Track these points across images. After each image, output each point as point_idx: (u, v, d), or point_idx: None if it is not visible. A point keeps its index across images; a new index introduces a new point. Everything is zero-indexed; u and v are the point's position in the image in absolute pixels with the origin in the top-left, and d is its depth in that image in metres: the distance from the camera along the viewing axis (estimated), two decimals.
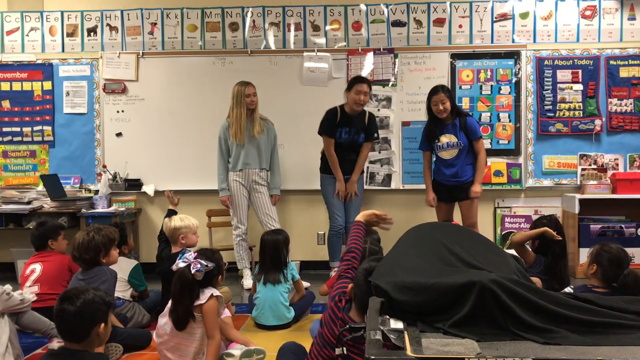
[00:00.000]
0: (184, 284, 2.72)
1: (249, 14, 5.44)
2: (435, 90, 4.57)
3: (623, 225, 4.97)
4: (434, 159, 4.76)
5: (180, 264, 2.74)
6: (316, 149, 5.04)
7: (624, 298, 1.68)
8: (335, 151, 4.79)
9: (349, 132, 4.77)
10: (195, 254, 2.83)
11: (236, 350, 2.94)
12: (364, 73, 5.33)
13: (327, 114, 4.82)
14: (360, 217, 2.75)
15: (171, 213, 4.24)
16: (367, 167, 5.29)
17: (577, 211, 4.91)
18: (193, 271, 2.70)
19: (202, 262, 2.73)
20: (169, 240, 3.87)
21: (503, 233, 5.32)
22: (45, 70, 5.52)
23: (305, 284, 4.49)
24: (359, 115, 4.81)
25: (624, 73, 5.25)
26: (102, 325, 2.19)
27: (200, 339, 2.76)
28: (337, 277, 2.45)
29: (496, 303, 1.47)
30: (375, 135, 4.95)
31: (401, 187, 5.39)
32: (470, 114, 4.97)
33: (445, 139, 4.56)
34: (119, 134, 5.48)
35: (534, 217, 5.25)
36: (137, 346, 3.23)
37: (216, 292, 2.79)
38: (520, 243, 3.69)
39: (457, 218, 4.78)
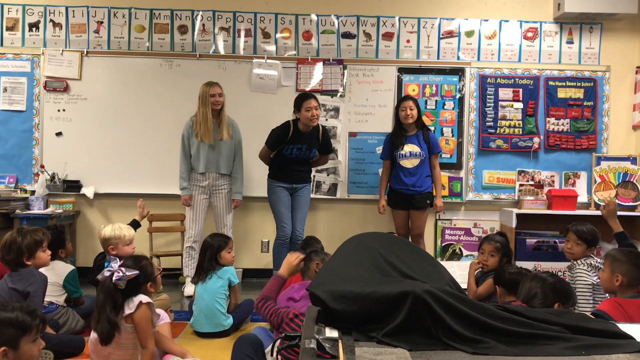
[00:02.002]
0: (106, 294, 2.60)
1: (199, 18, 5.39)
2: (405, 98, 4.89)
3: (557, 240, 5.16)
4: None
5: (105, 272, 2.61)
6: None
7: (550, 310, 1.74)
8: (284, 163, 4.75)
9: (300, 149, 4.70)
10: (121, 262, 2.74)
11: None
12: (313, 83, 5.36)
13: (278, 130, 4.70)
14: (284, 271, 2.91)
15: (134, 223, 4.14)
16: (314, 176, 5.29)
17: (514, 225, 5.06)
18: (114, 280, 2.59)
19: (123, 270, 2.60)
20: None
21: (443, 244, 5.43)
22: None
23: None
24: (312, 132, 4.73)
25: (561, 94, 5.47)
26: (3, 349, 2.02)
27: (126, 349, 2.64)
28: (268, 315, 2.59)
29: (429, 313, 1.49)
30: (333, 148, 5.11)
31: (347, 197, 5.43)
32: (432, 129, 5.18)
33: (408, 147, 4.77)
34: (59, 134, 5.30)
35: (473, 230, 5.41)
36: (68, 352, 3.12)
37: (146, 299, 2.68)
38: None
39: None
